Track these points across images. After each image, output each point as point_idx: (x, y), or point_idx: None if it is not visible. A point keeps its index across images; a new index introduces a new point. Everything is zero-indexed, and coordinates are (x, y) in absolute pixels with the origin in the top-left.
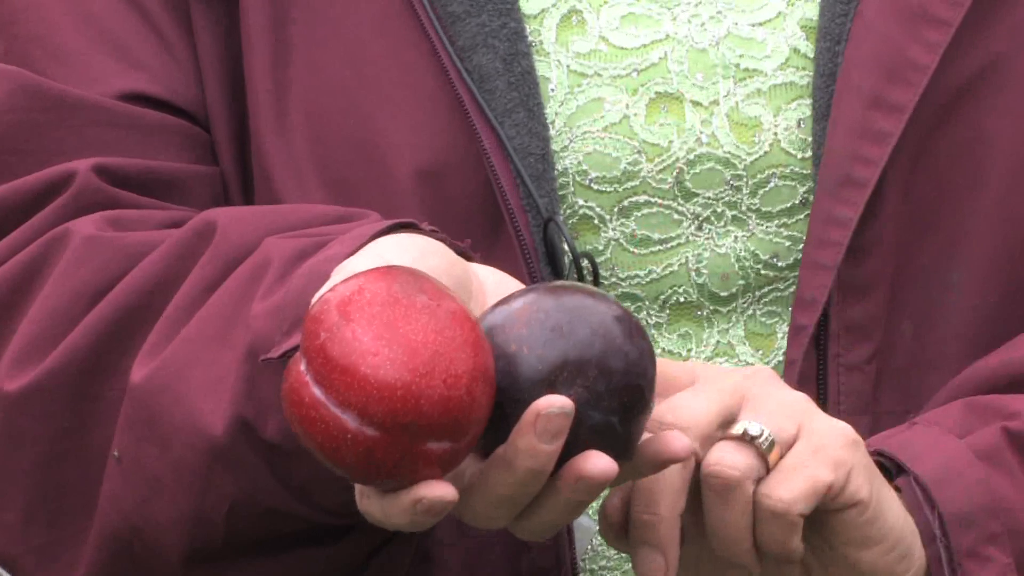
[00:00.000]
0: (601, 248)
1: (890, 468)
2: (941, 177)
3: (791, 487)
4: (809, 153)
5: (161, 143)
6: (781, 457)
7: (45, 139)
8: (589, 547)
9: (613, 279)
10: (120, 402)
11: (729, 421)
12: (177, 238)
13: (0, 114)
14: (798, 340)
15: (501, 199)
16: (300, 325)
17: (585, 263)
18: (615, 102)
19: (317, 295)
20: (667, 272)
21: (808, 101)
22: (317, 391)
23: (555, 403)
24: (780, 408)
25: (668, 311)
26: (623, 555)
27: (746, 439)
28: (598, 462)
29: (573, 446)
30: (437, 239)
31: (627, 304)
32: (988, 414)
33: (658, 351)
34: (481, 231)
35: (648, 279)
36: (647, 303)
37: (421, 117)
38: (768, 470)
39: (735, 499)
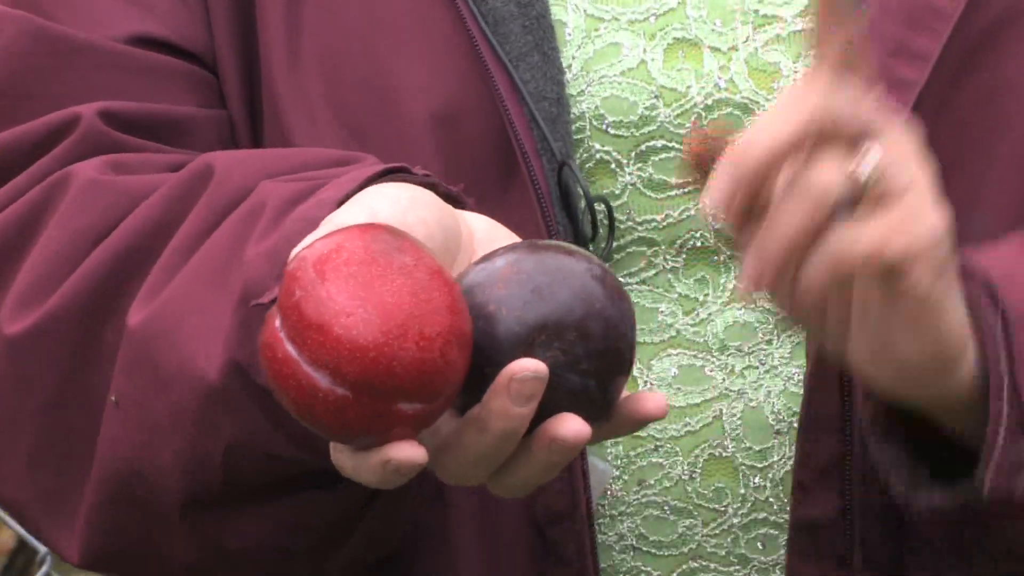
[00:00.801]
0: (618, 192)
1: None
2: (964, 124)
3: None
4: None
5: (167, 87)
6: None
7: (51, 83)
8: (608, 491)
9: (629, 223)
10: (119, 346)
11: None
12: (176, 181)
13: (6, 58)
14: None
15: (515, 143)
16: None
17: (600, 207)
18: (632, 47)
19: (295, 250)
20: (684, 216)
21: None
22: (291, 348)
23: (529, 367)
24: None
25: (684, 255)
26: (642, 500)
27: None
28: (571, 425)
29: (550, 408)
30: (430, 185)
31: (643, 248)
32: None
33: (674, 295)
34: (495, 175)
35: (665, 223)
36: (663, 247)
37: (435, 60)
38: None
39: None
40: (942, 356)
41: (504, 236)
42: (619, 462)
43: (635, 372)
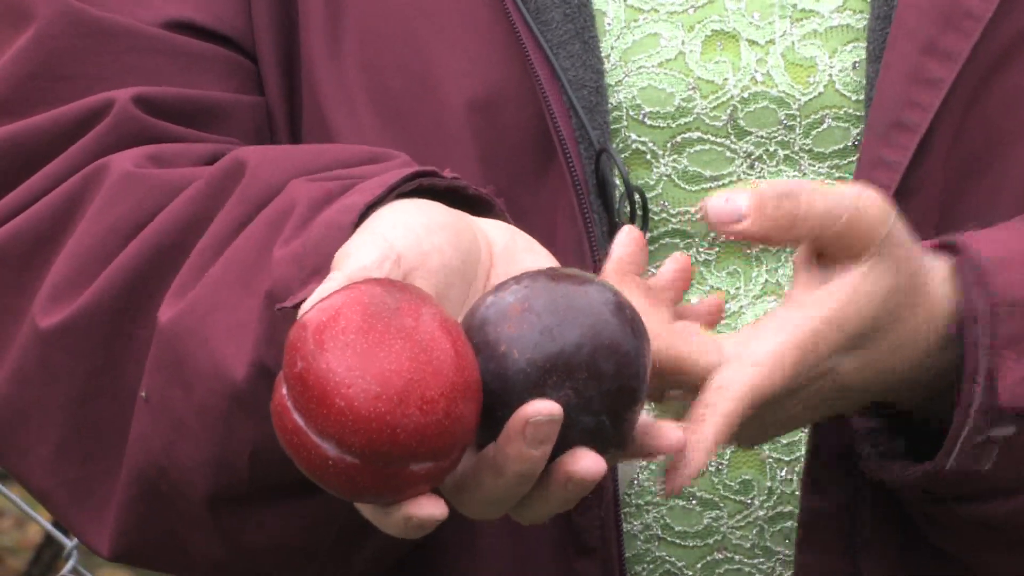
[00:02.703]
0: (652, 183)
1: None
2: (992, 124)
3: None
4: (863, 95)
5: (204, 72)
6: None
7: (86, 66)
8: (635, 481)
9: (664, 215)
10: (150, 341)
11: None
12: (208, 177)
13: (42, 40)
14: None
15: (553, 130)
16: (318, 274)
17: (636, 197)
18: (671, 38)
19: (302, 307)
20: None
21: (863, 43)
22: (298, 418)
23: (542, 410)
24: None
25: (717, 248)
26: (666, 502)
27: None
28: (586, 462)
29: (563, 446)
30: (458, 188)
31: (676, 240)
32: None
33: (706, 288)
34: (533, 163)
35: (699, 216)
36: (697, 240)
37: (476, 47)
38: None
39: None
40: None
41: (524, 245)
42: None
43: None
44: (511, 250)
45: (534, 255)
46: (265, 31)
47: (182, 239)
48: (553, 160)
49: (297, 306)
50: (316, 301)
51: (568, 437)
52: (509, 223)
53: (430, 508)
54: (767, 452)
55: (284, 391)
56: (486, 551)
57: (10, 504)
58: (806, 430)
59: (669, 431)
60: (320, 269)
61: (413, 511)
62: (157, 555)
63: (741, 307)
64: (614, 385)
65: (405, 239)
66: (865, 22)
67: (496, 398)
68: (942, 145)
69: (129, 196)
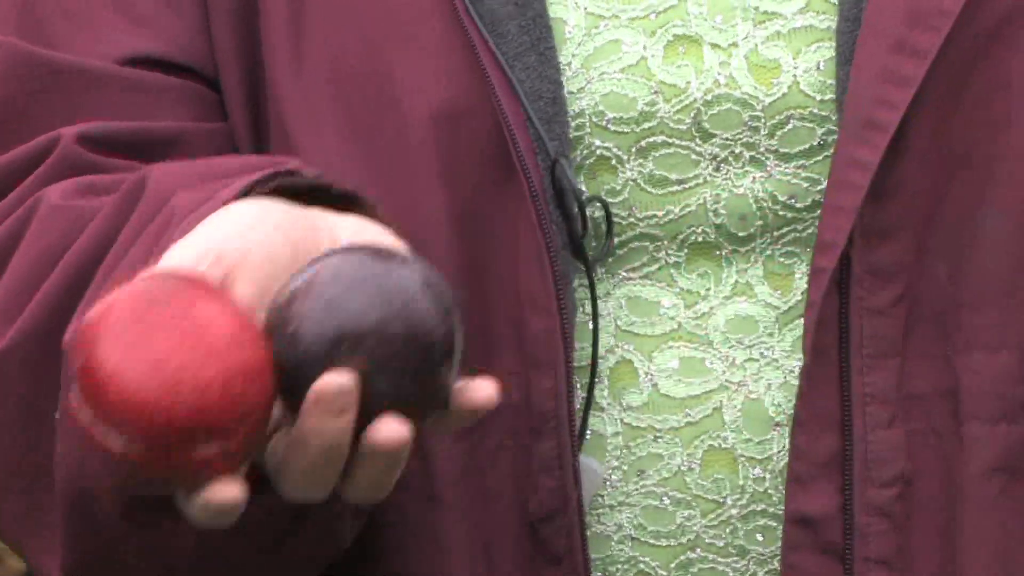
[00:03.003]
0: (619, 188)
1: None
2: (970, 120)
3: None
4: (828, 96)
5: (159, 104)
6: None
7: (38, 107)
8: (606, 482)
9: (631, 219)
10: None
11: None
12: (116, 197)
13: None
14: (818, 282)
15: (511, 142)
16: None
17: (598, 206)
18: (633, 43)
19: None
20: (685, 212)
21: (828, 44)
22: (86, 413)
23: (333, 382)
24: None
25: (686, 250)
26: (641, 491)
27: None
28: (390, 429)
29: (372, 413)
30: (323, 186)
31: (645, 243)
32: None
33: (676, 290)
34: (494, 174)
35: (666, 219)
36: (665, 243)
37: (435, 62)
38: None
39: None
40: None
41: (371, 234)
42: (618, 453)
43: (636, 363)
44: (360, 239)
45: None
46: (227, 54)
47: (95, 261)
48: (513, 172)
49: None
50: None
51: (374, 403)
52: (380, 218)
53: (224, 492)
54: (740, 451)
55: (72, 390)
56: (451, 568)
57: None
58: (777, 430)
59: (481, 387)
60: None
61: (209, 496)
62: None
63: (711, 308)
64: (407, 348)
65: (227, 237)
66: (829, 23)
67: (293, 377)
68: (919, 144)
69: (54, 228)
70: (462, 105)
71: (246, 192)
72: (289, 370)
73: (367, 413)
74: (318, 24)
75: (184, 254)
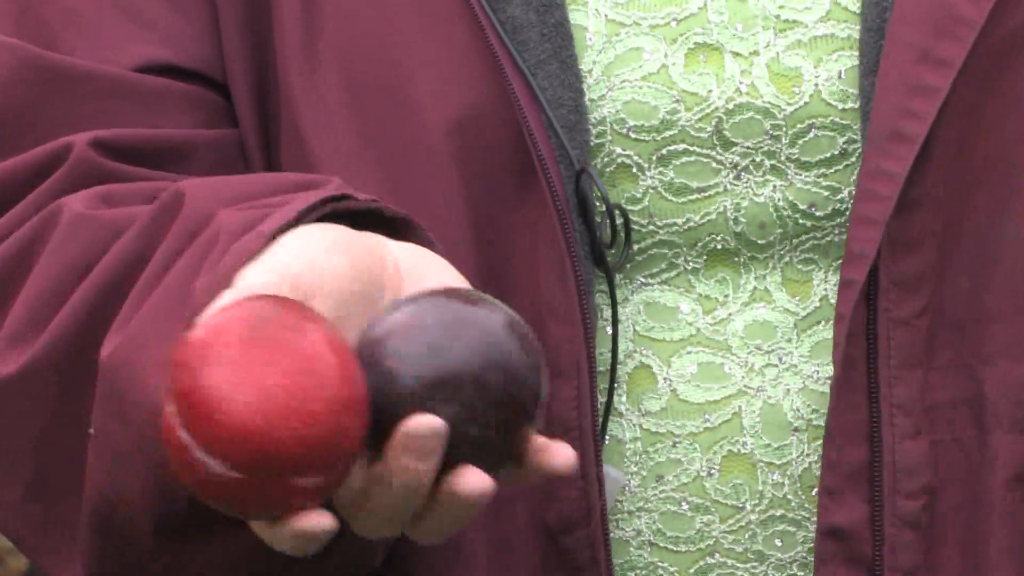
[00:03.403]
0: (639, 196)
1: None
2: (994, 131)
3: None
4: (850, 105)
5: (166, 110)
6: None
7: (46, 112)
8: (625, 488)
9: (651, 227)
10: None
11: None
12: (150, 212)
13: (3, 88)
14: (847, 295)
15: (533, 150)
16: None
17: (617, 214)
18: (654, 51)
19: (201, 319)
20: (705, 220)
21: (849, 53)
22: (183, 434)
23: (423, 423)
24: None
25: (705, 257)
26: (660, 496)
27: None
28: (471, 480)
29: (455, 460)
30: (375, 211)
31: (664, 250)
32: None
33: (694, 295)
34: (513, 183)
35: (686, 227)
36: (684, 249)
37: (454, 68)
38: None
39: None
40: None
41: (432, 264)
42: (637, 458)
43: (655, 368)
44: (420, 271)
45: (442, 275)
46: (237, 60)
47: (127, 275)
48: (533, 180)
49: None
50: (192, 329)
51: (458, 452)
52: (430, 243)
53: (317, 521)
54: (758, 456)
55: (170, 409)
56: None
57: None
58: (796, 436)
59: (559, 452)
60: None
61: (301, 525)
62: None
63: (730, 314)
64: (502, 399)
65: (301, 262)
66: (850, 32)
67: (385, 414)
68: (944, 155)
69: (78, 237)
70: (482, 113)
71: (301, 217)
72: (380, 406)
73: (449, 459)
74: (332, 28)
75: (261, 278)
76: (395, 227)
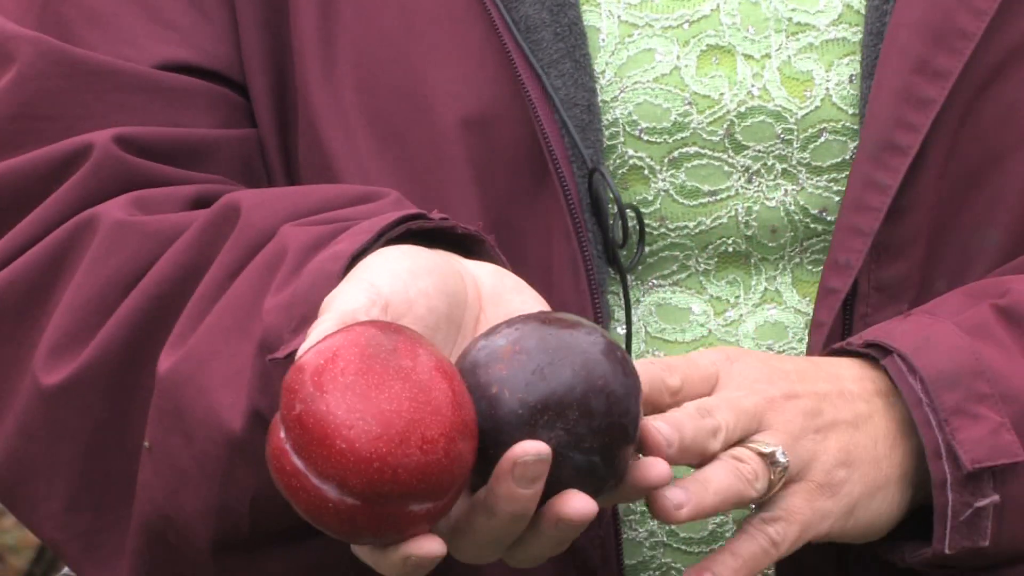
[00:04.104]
0: (650, 199)
1: (878, 356)
2: (985, 140)
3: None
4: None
5: (189, 108)
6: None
7: (69, 105)
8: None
9: (662, 229)
10: (153, 392)
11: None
12: (202, 223)
13: (24, 80)
14: (828, 303)
15: (546, 149)
16: (307, 323)
17: (631, 214)
18: (666, 53)
19: (299, 350)
20: (716, 224)
21: (859, 57)
22: (297, 461)
23: (531, 450)
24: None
25: (716, 259)
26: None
27: (767, 461)
28: (577, 503)
29: (557, 484)
30: (447, 229)
31: (675, 252)
32: (981, 296)
33: (706, 297)
34: (527, 181)
35: (697, 230)
36: (696, 252)
37: (468, 67)
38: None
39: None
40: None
41: (512, 286)
42: None
43: None
44: (499, 291)
45: (522, 296)
46: (255, 60)
47: (180, 288)
48: (547, 179)
49: (288, 356)
50: (312, 343)
51: (561, 476)
52: (499, 259)
53: (429, 546)
54: None
55: (282, 434)
56: (484, 572)
57: None
58: None
59: (655, 465)
60: (309, 318)
61: (412, 550)
62: None
63: (741, 315)
64: (605, 424)
65: (392, 285)
66: (860, 36)
67: (489, 439)
68: (935, 164)
69: (124, 247)
70: (496, 112)
71: (378, 236)
72: (484, 432)
73: (551, 485)
74: (349, 28)
75: (353, 299)
76: (461, 242)
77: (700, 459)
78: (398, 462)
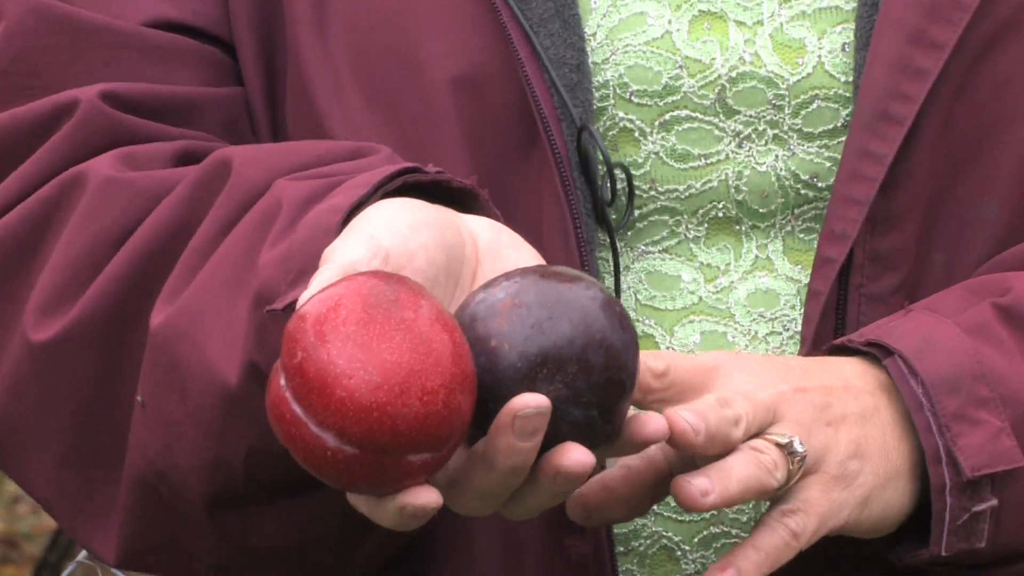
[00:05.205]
0: (640, 161)
1: (879, 356)
2: (981, 112)
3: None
4: (852, 78)
5: (176, 66)
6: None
7: (56, 62)
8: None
9: (652, 192)
10: (144, 347)
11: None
12: (194, 178)
13: (12, 36)
14: (824, 272)
15: (535, 108)
16: (305, 276)
17: (620, 174)
18: (658, 17)
19: (300, 299)
20: (706, 188)
21: (852, 26)
22: (297, 409)
23: (530, 403)
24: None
25: (707, 225)
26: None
27: (785, 452)
28: (575, 455)
29: (554, 439)
30: (442, 182)
31: (665, 217)
32: (982, 293)
33: (696, 264)
34: (517, 140)
35: (687, 194)
36: (685, 217)
37: (458, 27)
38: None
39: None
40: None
41: (509, 241)
42: None
43: (657, 338)
44: (496, 246)
45: (519, 251)
46: (244, 20)
47: (172, 243)
48: (537, 139)
49: (286, 308)
50: (314, 292)
51: (558, 430)
52: (494, 215)
53: (425, 497)
54: None
55: (282, 382)
56: (477, 535)
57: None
58: None
59: (652, 419)
60: (307, 271)
61: (409, 500)
62: (161, 560)
63: (732, 282)
64: (603, 378)
65: (392, 238)
66: (853, 4)
67: (487, 392)
68: (930, 135)
69: (113, 203)
70: (486, 71)
71: (375, 190)
72: (483, 385)
73: (549, 439)
74: None
75: (354, 251)
76: (455, 198)
77: (724, 448)
78: (397, 412)
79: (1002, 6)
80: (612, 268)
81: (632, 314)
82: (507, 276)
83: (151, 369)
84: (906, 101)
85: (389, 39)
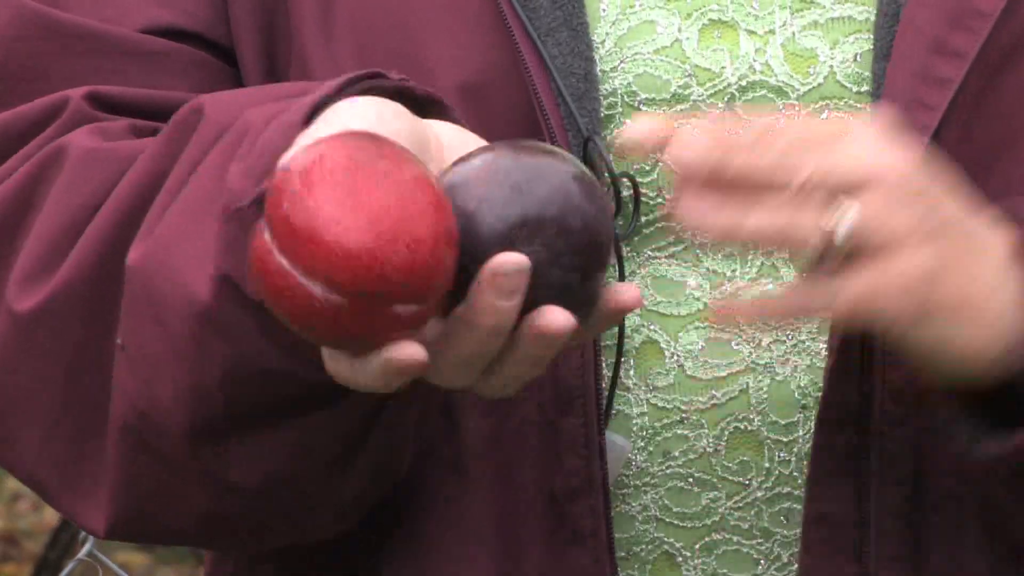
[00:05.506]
0: (648, 168)
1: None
2: (1001, 121)
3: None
4: (864, 88)
5: (165, 72)
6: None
7: (45, 67)
8: (632, 463)
9: (660, 200)
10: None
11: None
12: (166, 131)
13: (1, 42)
14: None
15: (541, 117)
16: (269, 175)
17: (626, 183)
18: (667, 25)
19: (280, 161)
20: None
21: (865, 36)
22: (282, 259)
23: (510, 260)
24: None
25: None
26: (666, 472)
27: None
28: (556, 317)
29: (533, 304)
30: (405, 89)
31: (672, 224)
32: None
33: (702, 270)
34: None
35: None
36: None
37: (465, 34)
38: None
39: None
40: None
41: (473, 143)
42: (644, 433)
43: (662, 344)
44: (462, 144)
45: None
46: (245, 26)
47: (150, 195)
48: None
49: (253, 204)
50: (289, 157)
51: (538, 294)
52: (460, 122)
53: (410, 350)
54: (765, 433)
55: (266, 236)
56: (475, 541)
57: (26, 487)
58: (803, 413)
59: (627, 288)
60: (271, 169)
61: (393, 354)
62: (148, 522)
63: (738, 289)
64: (583, 242)
65: (365, 124)
66: (867, 15)
67: (468, 256)
68: (951, 143)
69: (94, 173)
70: (492, 79)
71: (338, 91)
72: (464, 250)
73: (528, 305)
74: None
75: (328, 132)
76: (424, 110)
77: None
78: (386, 258)
79: (1020, 16)
80: (617, 276)
81: (637, 319)
82: (481, 150)
83: (130, 306)
84: (928, 110)
85: (396, 43)
